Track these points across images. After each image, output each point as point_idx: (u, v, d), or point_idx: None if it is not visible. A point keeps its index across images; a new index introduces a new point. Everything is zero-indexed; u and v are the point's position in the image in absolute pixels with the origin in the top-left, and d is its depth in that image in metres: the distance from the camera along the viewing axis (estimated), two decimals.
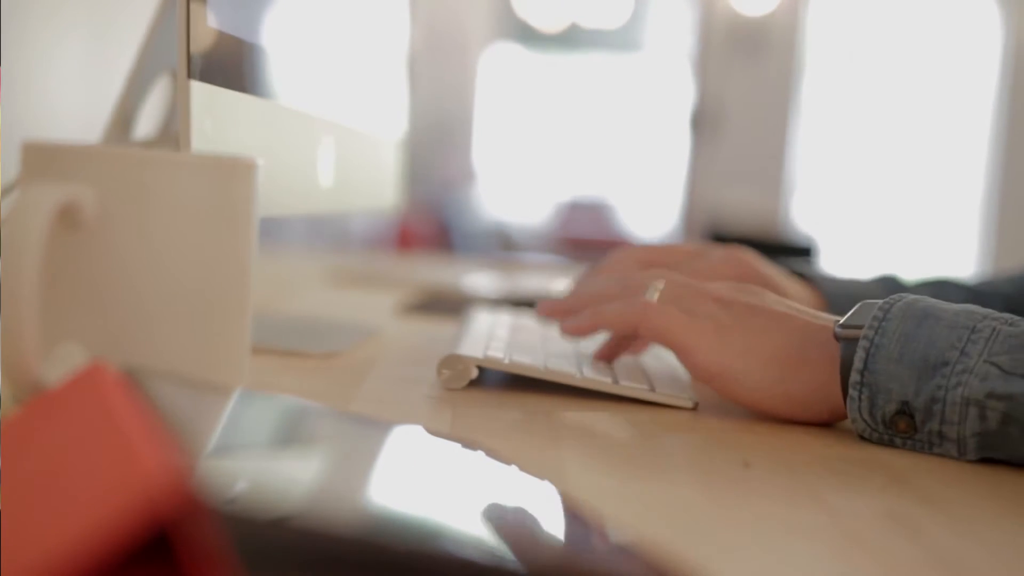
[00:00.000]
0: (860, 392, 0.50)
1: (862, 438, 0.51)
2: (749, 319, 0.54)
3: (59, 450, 0.26)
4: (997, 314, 0.50)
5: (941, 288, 0.76)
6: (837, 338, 0.52)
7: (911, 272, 0.78)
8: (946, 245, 4.98)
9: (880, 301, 0.52)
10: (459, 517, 0.27)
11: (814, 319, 0.54)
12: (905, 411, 0.49)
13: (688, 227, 4.81)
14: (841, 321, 0.52)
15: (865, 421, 0.50)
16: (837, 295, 0.73)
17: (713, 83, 4.81)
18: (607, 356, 0.64)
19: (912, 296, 0.52)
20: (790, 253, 3.18)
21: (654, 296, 0.57)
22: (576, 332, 0.59)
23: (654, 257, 0.70)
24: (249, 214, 0.42)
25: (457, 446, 0.35)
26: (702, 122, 4.72)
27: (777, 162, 4.96)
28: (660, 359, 0.69)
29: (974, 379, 0.47)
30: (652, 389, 0.57)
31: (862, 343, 0.50)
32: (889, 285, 0.75)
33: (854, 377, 0.50)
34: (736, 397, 0.54)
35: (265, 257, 1.41)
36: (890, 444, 0.50)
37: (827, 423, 0.54)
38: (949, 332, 0.49)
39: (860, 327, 0.51)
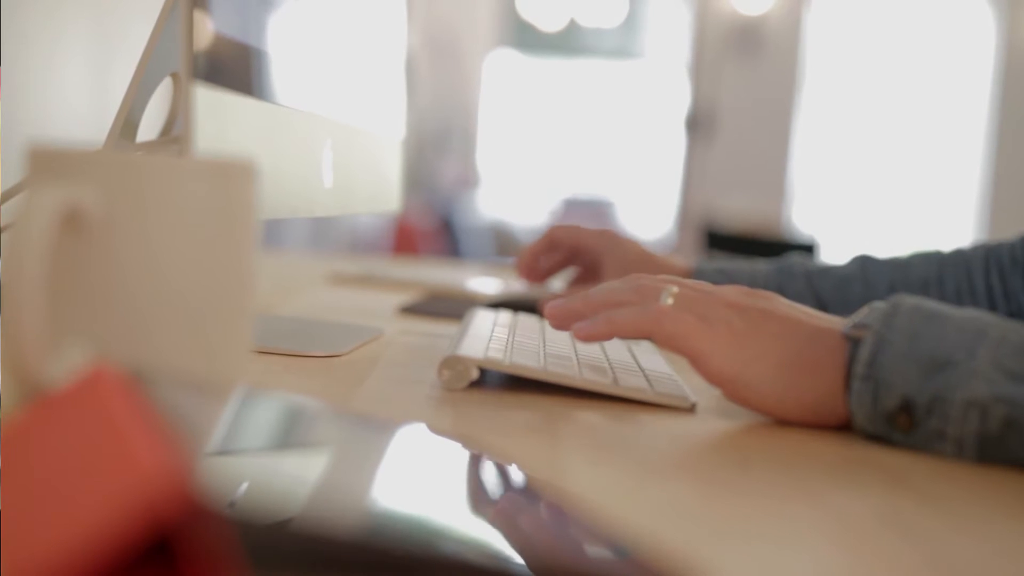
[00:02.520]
0: (864, 385, 0.50)
1: (860, 431, 0.52)
2: (762, 324, 0.54)
3: (61, 452, 0.26)
4: (1005, 321, 0.50)
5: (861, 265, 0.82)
6: (847, 338, 0.52)
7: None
8: (943, 242, 4.97)
9: (887, 301, 0.52)
10: (460, 518, 0.27)
11: (824, 323, 0.54)
12: (906, 407, 0.49)
13: (684, 226, 4.81)
14: (851, 323, 0.52)
15: (865, 414, 0.51)
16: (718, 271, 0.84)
17: (709, 84, 4.81)
18: (538, 275, 0.71)
19: (918, 298, 0.52)
20: (791, 251, 3.17)
21: (668, 301, 0.56)
22: (589, 337, 0.57)
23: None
24: (250, 216, 0.42)
25: (458, 446, 0.36)
26: (698, 123, 4.72)
27: (775, 161, 4.95)
28: (658, 360, 0.69)
29: (980, 381, 0.47)
30: (651, 390, 0.57)
31: (870, 337, 0.50)
32: (786, 267, 0.83)
33: (860, 370, 0.50)
34: (749, 402, 0.54)
35: (267, 258, 1.41)
36: (887, 439, 0.51)
37: (837, 427, 0.54)
38: (958, 334, 0.49)
39: (870, 327, 0.51)
